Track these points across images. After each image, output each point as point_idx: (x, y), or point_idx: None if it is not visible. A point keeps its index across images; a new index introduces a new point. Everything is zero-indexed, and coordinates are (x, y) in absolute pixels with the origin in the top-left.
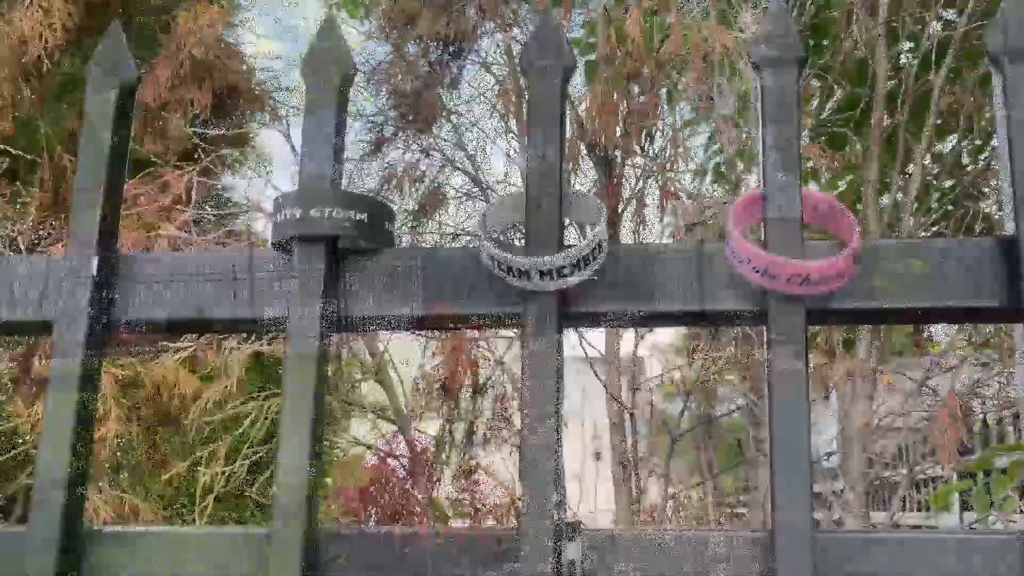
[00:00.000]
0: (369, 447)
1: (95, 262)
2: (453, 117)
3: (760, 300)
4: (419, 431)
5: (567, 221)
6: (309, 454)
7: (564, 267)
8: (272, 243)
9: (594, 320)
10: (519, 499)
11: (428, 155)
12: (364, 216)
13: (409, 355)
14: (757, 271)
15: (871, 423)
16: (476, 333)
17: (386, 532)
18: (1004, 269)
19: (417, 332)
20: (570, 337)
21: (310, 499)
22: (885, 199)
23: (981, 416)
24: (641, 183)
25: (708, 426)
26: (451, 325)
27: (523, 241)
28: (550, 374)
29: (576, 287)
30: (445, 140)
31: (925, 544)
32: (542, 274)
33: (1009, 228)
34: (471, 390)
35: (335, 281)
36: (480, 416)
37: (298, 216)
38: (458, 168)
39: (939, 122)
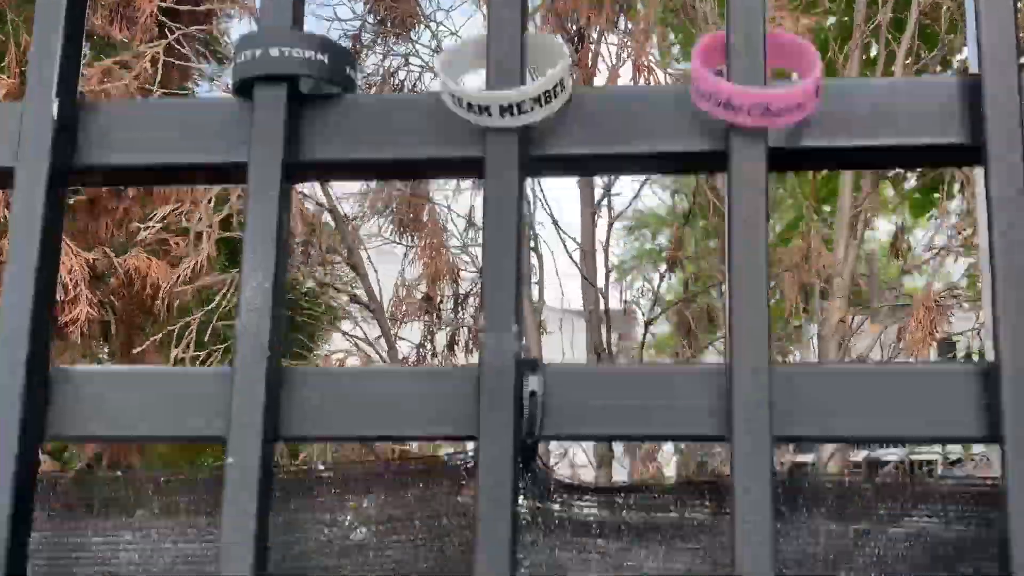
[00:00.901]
0: (357, 345)
1: (55, 106)
2: (432, 25)
3: (722, 140)
4: (400, 338)
5: (531, 68)
6: (272, 293)
7: (524, 102)
8: (232, 86)
9: (557, 164)
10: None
11: (407, 62)
12: (325, 58)
13: (388, 259)
14: (719, 104)
15: (847, 320)
16: (456, 239)
17: (351, 370)
18: (967, 108)
19: (375, 178)
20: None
21: (273, 338)
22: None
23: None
24: (614, 59)
25: (688, 304)
26: (412, 172)
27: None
28: (510, 217)
29: (538, 130)
30: (424, 46)
31: (886, 375)
32: (502, 109)
33: (974, 68)
34: (453, 300)
35: (296, 125)
36: (462, 325)
37: (257, 55)
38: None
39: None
